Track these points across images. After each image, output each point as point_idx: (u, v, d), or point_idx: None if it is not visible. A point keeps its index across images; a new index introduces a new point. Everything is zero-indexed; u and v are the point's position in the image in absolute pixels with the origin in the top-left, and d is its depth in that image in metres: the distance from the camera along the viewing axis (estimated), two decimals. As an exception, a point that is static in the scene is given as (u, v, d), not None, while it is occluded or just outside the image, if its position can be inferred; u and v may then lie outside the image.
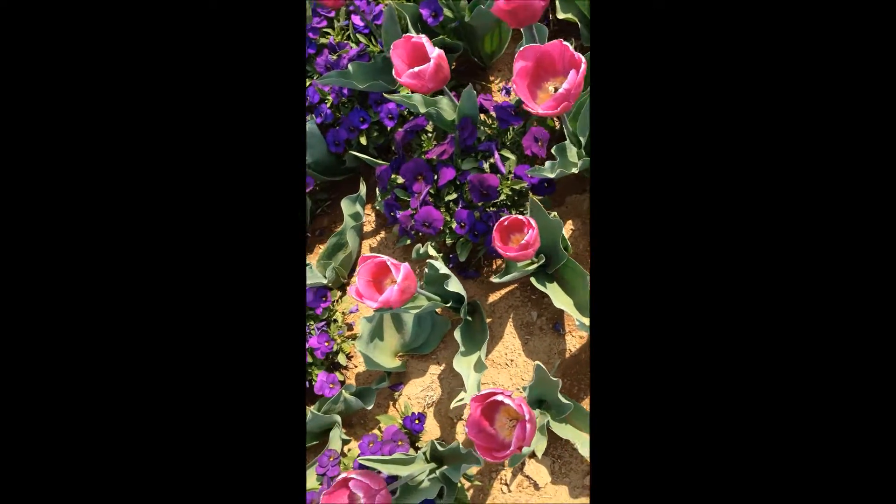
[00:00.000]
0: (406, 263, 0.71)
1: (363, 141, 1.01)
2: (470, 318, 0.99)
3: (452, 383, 1.06)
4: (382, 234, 1.16)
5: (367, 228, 1.17)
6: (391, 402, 1.09)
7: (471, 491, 1.00)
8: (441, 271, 0.83)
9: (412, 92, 0.83)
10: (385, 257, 0.69)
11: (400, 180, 0.97)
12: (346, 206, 1.07)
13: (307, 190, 1.07)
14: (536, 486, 0.99)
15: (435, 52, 0.73)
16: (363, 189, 1.06)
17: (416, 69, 0.73)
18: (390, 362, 1.04)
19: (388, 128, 0.98)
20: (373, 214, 1.17)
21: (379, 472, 0.79)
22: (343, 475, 0.66)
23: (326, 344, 0.99)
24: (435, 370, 1.08)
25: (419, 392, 1.07)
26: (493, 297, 1.06)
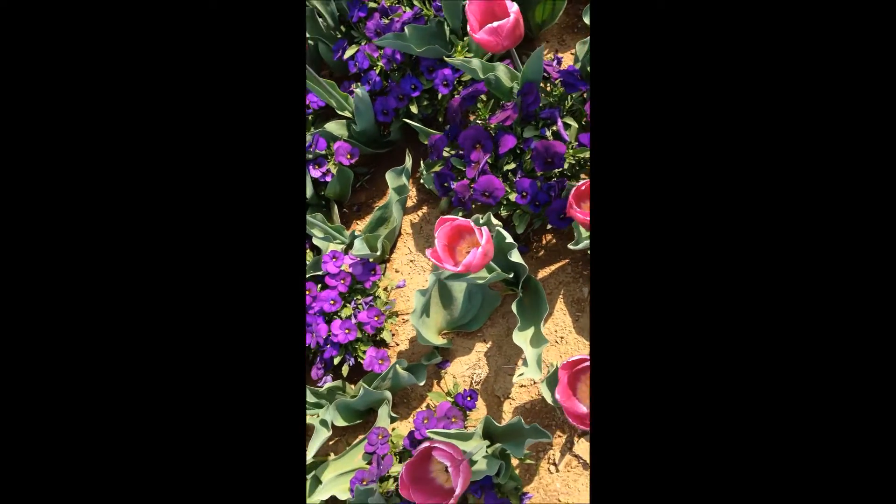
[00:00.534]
0: (486, 227, 0.68)
1: (413, 110, 0.98)
2: (521, 293, 0.97)
3: (499, 361, 1.03)
4: (425, 208, 1.13)
5: (409, 203, 1.14)
6: (436, 381, 1.06)
7: (518, 470, 0.97)
8: (507, 240, 0.80)
9: (485, 50, 0.80)
10: (466, 220, 0.66)
11: (448, 151, 0.94)
12: (390, 178, 1.03)
13: (352, 161, 1.03)
14: (586, 466, 0.96)
15: (514, 8, 0.70)
16: (409, 161, 1.03)
17: (495, 24, 0.70)
18: (436, 340, 1.02)
19: (442, 95, 0.95)
20: (414, 189, 1.14)
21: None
22: (425, 444, 0.63)
23: (376, 318, 0.95)
24: (481, 348, 1.05)
25: (465, 370, 1.04)
26: (542, 273, 1.03)
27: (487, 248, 0.65)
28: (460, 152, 0.91)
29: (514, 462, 0.95)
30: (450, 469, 0.61)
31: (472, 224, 0.65)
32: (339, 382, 1.00)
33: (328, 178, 1.04)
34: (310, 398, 0.95)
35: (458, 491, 0.60)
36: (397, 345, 1.08)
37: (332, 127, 1.06)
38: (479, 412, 1.02)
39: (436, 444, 0.63)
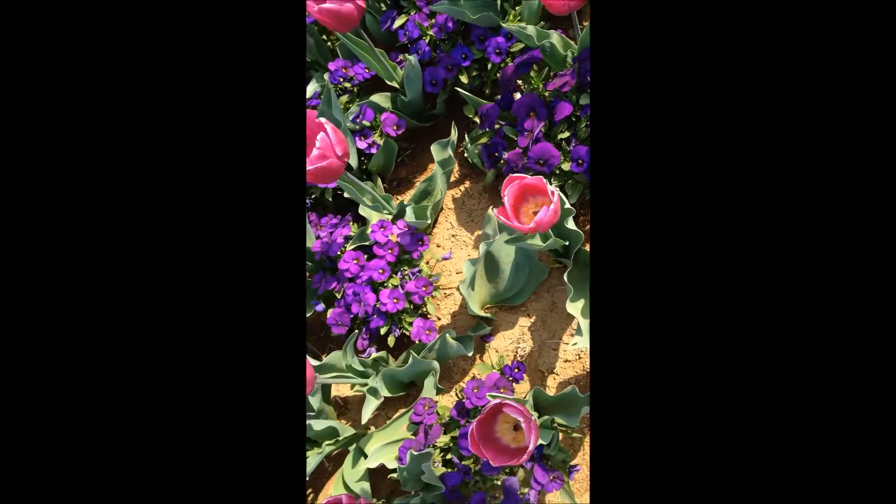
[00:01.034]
0: (554, 186, 0.67)
1: (463, 79, 0.97)
2: (571, 265, 0.96)
3: (543, 336, 1.03)
4: (467, 183, 1.13)
5: (451, 178, 1.13)
6: (478, 356, 1.05)
7: (562, 444, 0.97)
8: (566, 205, 0.80)
9: (549, 11, 0.79)
10: (536, 177, 0.66)
11: (498, 121, 0.94)
12: (436, 151, 1.03)
13: (398, 132, 1.03)
14: (631, 442, 0.95)
15: (583, -33, 0.70)
16: (454, 133, 1.03)
17: (564, -17, 0.69)
18: (479, 314, 1.01)
19: (492, 65, 0.94)
20: (456, 164, 1.14)
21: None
22: (495, 401, 0.63)
23: (424, 289, 0.95)
24: (525, 322, 1.04)
25: (508, 345, 1.04)
26: (587, 246, 1.03)
27: (557, 206, 0.64)
28: (510, 123, 0.90)
29: (561, 435, 0.95)
30: (523, 424, 0.61)
31: (544, 181, 0.65)
32: (383, 353, 0.99)
33: (373, 150, 1.03)
34: (356, 367, 0.95)
35: (531, 447, 0.59)
36: (439, 319, 1.08)
37: (377, 99, 1.06)
38: (523, 387, 1.01)
39: (506, 402, 0.62)
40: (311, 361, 0.86)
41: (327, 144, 0.70)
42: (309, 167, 0.70)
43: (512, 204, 0.67)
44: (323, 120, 0.71)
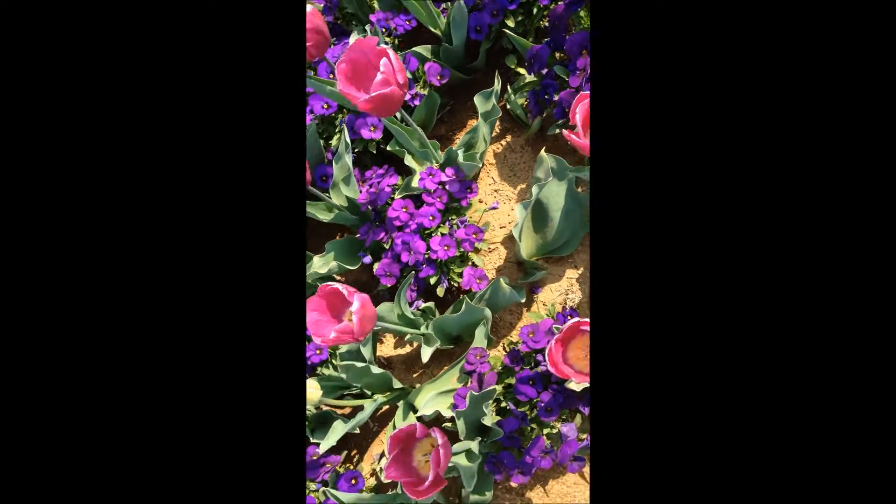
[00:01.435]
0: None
1: (510, 23, 0.96)
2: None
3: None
4: (509, 137, 1.11)
5: (492, 132, 1.12)
6: (525, 309, 1.04)
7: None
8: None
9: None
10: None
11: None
12: (479, 102, 1.02)
13: (442, 82, 1.02)
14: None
15: None
16: (498, 83, 1.01)
17: None
18: (527, 266, 1.00)
19: (542, 6, 0.93)
20: (498, 117, 1.12)
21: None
22: (574, 321, 0.61)
23: (475, 235, 0.93)
24: (572, 274, 1.03)
25: (556, 297, 1.02)
26: (637, 195, 1.02)
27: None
28: (560, 63, 0.89)
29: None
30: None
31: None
32: (431, 304, 0.98)
33: (416, 102, 1.02)
34: (408, 315, 0.93)
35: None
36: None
37: (419, 50, 1.05)
38: (573, 337, 1.00)
39: (583, 321, 0.61)
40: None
41: (390, 70, 0.69)
42: (372, 93, 0.69)
43: (582, 122, 0.66)
44: (385, 46, 0.70)
